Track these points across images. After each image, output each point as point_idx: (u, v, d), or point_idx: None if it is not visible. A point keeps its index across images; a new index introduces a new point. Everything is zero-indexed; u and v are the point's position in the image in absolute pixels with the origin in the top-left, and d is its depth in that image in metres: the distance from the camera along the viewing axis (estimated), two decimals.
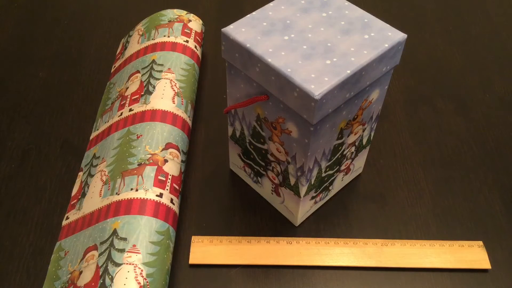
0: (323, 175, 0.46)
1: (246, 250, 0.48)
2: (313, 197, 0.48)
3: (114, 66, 0.63)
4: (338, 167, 0.48)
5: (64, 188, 0.53)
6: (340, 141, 0.44)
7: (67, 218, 0.49)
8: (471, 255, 0.48)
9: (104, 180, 0.48)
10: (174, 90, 0.54)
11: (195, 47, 0.60)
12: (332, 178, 0.49)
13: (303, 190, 0.45)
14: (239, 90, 0.43)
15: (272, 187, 0.49)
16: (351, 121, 0.43)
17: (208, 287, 0.46)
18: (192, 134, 0.57)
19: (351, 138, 0.46)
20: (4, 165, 0.55)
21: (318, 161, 0.43)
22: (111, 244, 0.42)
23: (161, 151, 0.49)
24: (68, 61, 0.67)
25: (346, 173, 0.51)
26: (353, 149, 0.48)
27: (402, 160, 0.56)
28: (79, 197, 0.50)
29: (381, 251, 0.48)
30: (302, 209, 0.48)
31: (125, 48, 0.64)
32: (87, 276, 0.42)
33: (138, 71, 0.57)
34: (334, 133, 0.42)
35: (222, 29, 0.40)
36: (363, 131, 0.47)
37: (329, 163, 0.45)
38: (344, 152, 0.46)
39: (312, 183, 0.45)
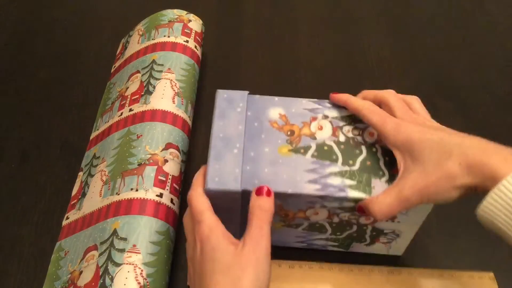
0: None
1: None
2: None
3: (114, 66, 0.63)
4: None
5: (64, 188, 0.53)
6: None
7: (67, 218, 0.49)
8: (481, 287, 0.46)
9: (104, 180, 0.48)
10: (174, 90, 0.54)
11: (195, 47, 0.60)
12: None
13: None
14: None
15: None
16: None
17: None
18: (192, 134, 0.57)
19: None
20: (4, 165, 0.55)
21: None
22: (111, 244, 0.42)
23: (161, 151, 0.49)
24: (68, 61, 0.67)
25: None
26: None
27: None
28: (79, 197, 0.50)
29: (387, 280, 0.46)
30: None
31: (125, 48, 0.64)
32: (87, 276, 0.42)
33: (138, 71, 0.57)
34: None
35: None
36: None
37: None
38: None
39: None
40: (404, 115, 0.41)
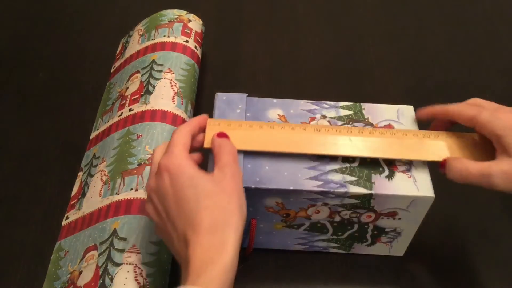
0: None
1: (267, 136, 0.43)
2: None
3: (114, 66, 0.63)
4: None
5: (64, 188, 0.53)
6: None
7: (67, 218, 0.49)
8: None
9: (104, 180, 0.48)
10: (174, 90, 0.54)
11: (195, 47, 0.60)
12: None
13: None
14: None
15: None
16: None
17: None
18: None
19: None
20: (4, 165, 0.55)
21: None
22: (111, 244, 0.42)
23: None
24: (68, 61, 0.67)
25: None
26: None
27: None
28: (79, 197, 0.50)
29: (421, 142, 0.43)
30: None
31: (125, 48, 0.64)
32: (87, 276, 0.42)
33: (138, 71, 0.57)
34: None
35: None
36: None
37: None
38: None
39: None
40: (495, 106, 0.41)
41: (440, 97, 0.63)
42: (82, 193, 0.50)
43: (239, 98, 0.47)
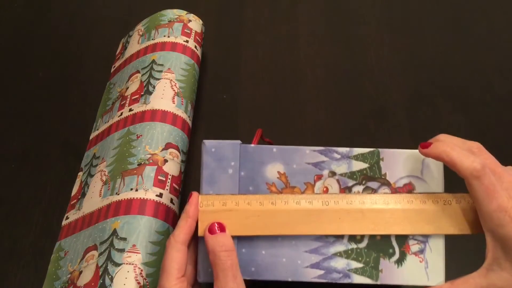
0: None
1: (268, 215, 0.37)
2: None
3: (114, 66, 0.63)
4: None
5: (64, 188, 0.53)
6: None
7: (67, 218, 0.50)
8: None
9: (104, 180, 0.48)
10: (174, 90, 0.54)
11: (195, 47, 0.60)
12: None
13: None
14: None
15: None
16: None
17: None
18: (192, 134, 0.57)
19: None
20: (4, 165, 0.55)
21: None
22: (111, 244, 0.42)
23: (161, 151, 0.49)
24: (68, 61, 0.67)
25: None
26: None
27: None
28: (79, 197, 0.50)
29: (442, 211, 0.38)
30: None
31: (125, 48, 0.64)
32: (87, 276, 0.42)
33: (138, 71, 0.57)
34: None
35: None
36: None
37: None
38: None
39: None
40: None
41: (440, 97, 0.63)
42: (82, 193, 0.50)
43: (231, 150, 0.39)
